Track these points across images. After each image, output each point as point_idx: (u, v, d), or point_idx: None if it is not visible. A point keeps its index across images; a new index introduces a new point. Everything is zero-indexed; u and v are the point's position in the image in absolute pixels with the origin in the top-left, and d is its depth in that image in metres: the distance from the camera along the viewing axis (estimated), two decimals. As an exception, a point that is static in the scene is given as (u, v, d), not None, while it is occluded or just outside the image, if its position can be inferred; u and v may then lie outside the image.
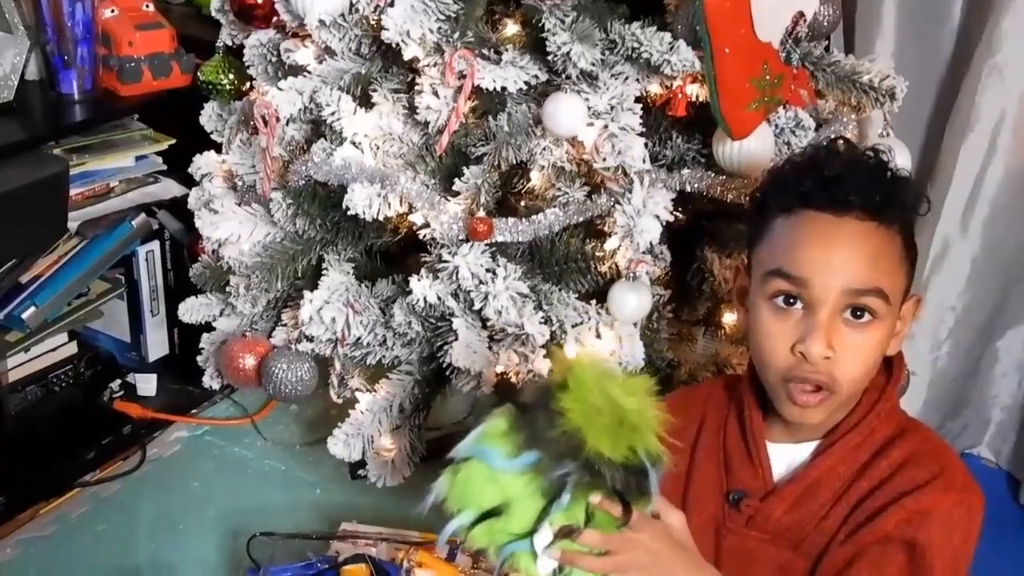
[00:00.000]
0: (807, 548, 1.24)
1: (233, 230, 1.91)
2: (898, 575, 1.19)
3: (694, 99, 1.72)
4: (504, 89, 1.70)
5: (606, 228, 1.72)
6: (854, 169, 1.19)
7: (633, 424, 1.03)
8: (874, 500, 1.21)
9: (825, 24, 1.88)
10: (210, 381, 2.10)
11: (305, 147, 1.88)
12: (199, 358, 2.10)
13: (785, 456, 1.27)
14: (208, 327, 2.07)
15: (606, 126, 1.69)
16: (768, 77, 1.63)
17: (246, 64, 1.99)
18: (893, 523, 1.19)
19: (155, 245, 2.42)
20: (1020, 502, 2.30)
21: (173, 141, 2.31)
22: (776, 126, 1.73)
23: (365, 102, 1.81)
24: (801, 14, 1.69)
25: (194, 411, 2.52)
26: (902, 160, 1.82)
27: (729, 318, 1.94)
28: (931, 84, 2.31)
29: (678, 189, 1.73)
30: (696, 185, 1.73)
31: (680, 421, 1.31)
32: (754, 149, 1.67)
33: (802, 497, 1.25)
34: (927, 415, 2.27)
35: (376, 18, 1.75)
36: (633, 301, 1.71)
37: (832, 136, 1.28)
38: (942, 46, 2.28)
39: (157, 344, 2.51)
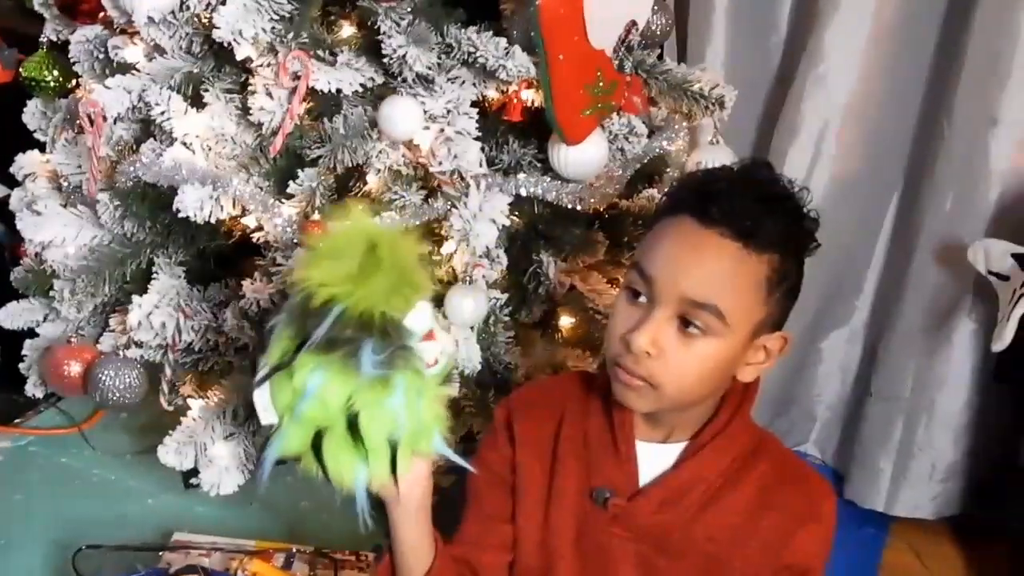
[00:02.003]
0: (670, 548, 1.26)
1: (57, 232, 1.85)
2: None
3: (530, 104, 1.74)
4: (339, 91, 1.69)
5: (443, 232, 1.72)
6: (735, 190, 1.19)
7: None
8: (748, 521, 1.25)
9: (658, 33, 1.92)
10: (34, 389, 2.03)
11: (134, 147, 1.83)
12: (22, 365, 2.02)
13: (651, 455, 1.28)
14: (31, 333, 2.00)
15: (442, 130, 1.69)
16: (602, 84, 1.66)
17: (72, 61, 1.93)
18: (790, 559, 1.25)
19: (-25, 247, 2.33)
20: (845, 497, 2.38)
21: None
22: (610, 132, 1.76)
23: (197, 102, 1.77)
24: (634, 23, 1.73)
25: (17, 420, 2.43)
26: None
27: (566, 321, 1.96)
28: (759, 93, 2.38)
29: (514, 193, 1.74)
30: (532, 189, 1.75)
31: (541, 412, 1.34)
32: (588, 154, 1.69)
33: (669, 500, 1.26)
34: (757, 414, 2.31)
35: (207, 16, 1.72)
36: (470, 305, 1.71)
37: (753, 160, 1.29)
38: (770, 56, 2.36)
39: (-23, 351, 2.41)
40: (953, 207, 2.12)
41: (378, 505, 1.22)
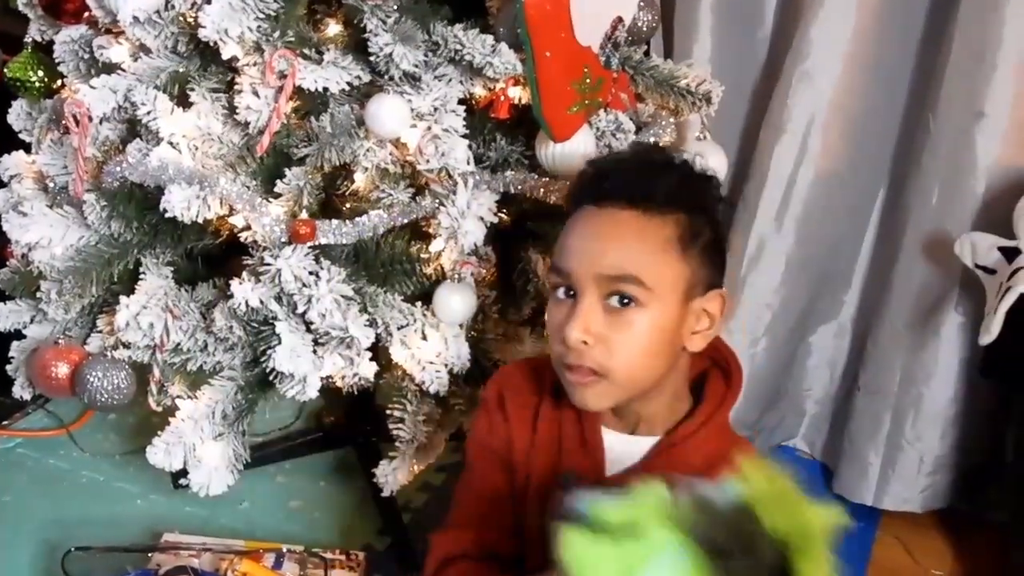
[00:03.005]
0: None
1: (44, 233, 1.83)
2: None
3: (517, 102, 1.73)
4: (326, 90, 1.68)
5: (431, 230, 1.72)
6: (622, 165, 1.23)
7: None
8: None
9: (644, 29, 1.92)
10: (21, 391, 2.01)
11: (120, 147, 1.82)
12: (9, 367, 2.01)
13: (620, 446, 1.28)
14: (18, 334, 1.98)
15: (429, 128, 1.69)
16: (588, 80, 1.66)
17: (57, 61, 1.92)
18: None
19: (-40, 249, 2.31)
20: (834, 491, 2.39)
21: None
22: (597, 129, 1.76)
23: (183, 101, 1.76)
24: (620, 19, 1.73)
25: (5, 423, 2.42)
26: (717, 162, 1.88)
27: (554, 318, 1.96)
28: (746, 88, 2.38)
29: (502, 191, 1.74)
30: (520, 187, 1.75)
31: (525, 390, 1.35)
32: (576, 151, 1.69)
33: None
34: (746, 409, 2.34)
35: (193, 15, 1.71)
36: (458, 302, 1.71)
37: (636, 142, 1.31)
38: (756, 52, 2.36)
39: (-36, 353, 2.40)
40: (939, 201, 2.12)
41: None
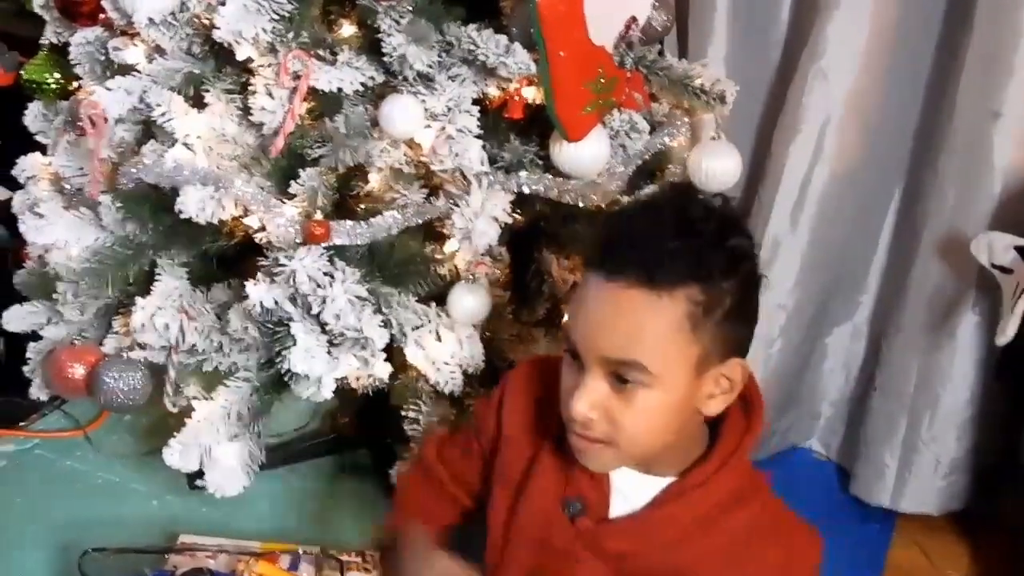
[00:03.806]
0: (626, 574, 1.23)
1: (60, 235, 1.85)
2: None
3: (531, 102, 1.74)
4: (340, 90, 1.69)
5: (445, 231, 1.72)
6: (634, 232, 1.13)
7: None
8: (719, 570, 1.20)
9: (658, 29, 1.92)
10: (38, 392, 2.02)
11: (135, 149, 1.83)
12: (26, 368, 2.02)
13: (631, 483, 1.24)
14: (35, 336, 1.99)
15: (443, 128, 1.69)
16: (602, 80, 1.66)
17: (72, 63, 1.92)
18: None
19: (-23, 251, 2.33)
20: (851, 492, 2.38)
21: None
22: (611, 129, 1.76)
23: (198, 103, 1.77)
24: (634, 19, 1.73)
25: (22, 423, 2.43)
26: (731, 162, 1.88)
27: (569, 319, 1.96)
28: (761, 88, 2.37)
29: (516, 191, 1.74)
30: (534, 187, 1.75)
31: (537, 395, 1.30)
32: (590, 151, 1.69)
33: (637, 535, 1.23)
34: (761, 410, 2.33)
35: (208, 17, 1.72)
36: (472, 303, 1.72)
37: (664, 189, 1.23)
38: (771, 51, 2.35)
39: (-19, 355, 2.41)
40: (956, 201, 2.11)
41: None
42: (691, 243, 1.10)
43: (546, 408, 1.28)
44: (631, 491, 1.24)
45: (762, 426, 1.24)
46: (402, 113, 1.66)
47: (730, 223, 1.14)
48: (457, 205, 1.69)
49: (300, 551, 1.94)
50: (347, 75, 1.68)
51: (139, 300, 1.77)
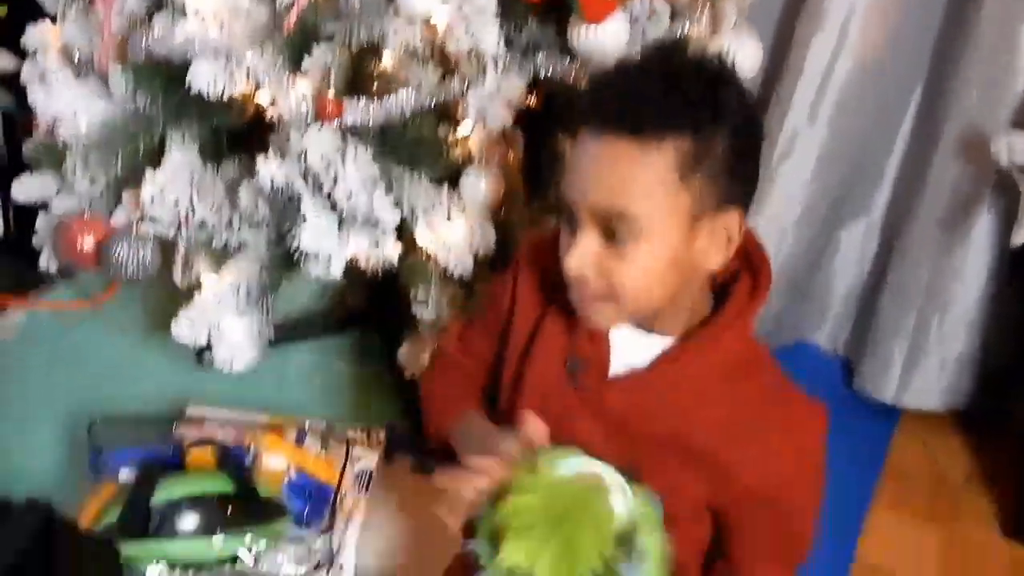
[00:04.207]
0: (629, 435, 1.24)
1: (69, 105, 1.83)
2: (767, 527, 1.25)
3: (550, -16, 1.70)
4: (356, -36, 1.65)
5: (459, 112, 1.70)
6: (621, 85, 1.13)
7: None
8: (719, 438, 1.21)
9: (682, -88, 1.86)
10: (47, 263, 2.02)
11: (146, 20, 1.80)
12: (35, 239, 2.02)
13: (632, 342, 1.25)
14: (44, 207, 1.99)
15: (460, 7, 1.65)
16: (624, -38, 1.62)
17: (82, -71, 1.88)
18: (753, 481, 1.21)
19: (-14, 120, 2.31)
20: (855, 388, 2.39)
21: (4, 10, 2.18)
22: (631, 14, 1.72)
23: (210, -27, 1.73)
24: (658, -101, 1.68)
25: (32, 294, 2.44)
26: (751, 51, 1.85)
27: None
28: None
29: (532, 74, 1.71)
30: (550, 71, 1.72)
31: (546, 263, 1.30)
32: (608, 35, 1.66)
33: (636, 394, 1.24)
34: (769, 303, 2.32)
35: None
36: (485, 186, 1.70)
37: (653, 46, 1.22)
38: (796, -60, 2.30)
39: (-9, 225, 2.42)
40: (978, 100, 2.08)
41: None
42: (678, 94, 1.10)
43: (554, 276, 1.28)
44: (631, 351, 1.25)
45: (766, 298, 1.24)
46: (419, -11, 1.63)
47: (721, 76, 1.14)
48: (472, 87, 1.66)
49: (307, 425, 1.96)
50: (363, -51, 1.65)
51: (149, 173, 1.76)
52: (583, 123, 1.15)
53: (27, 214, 2.06)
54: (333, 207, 1.69)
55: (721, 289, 1.26)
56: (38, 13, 1.99)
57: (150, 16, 1.79)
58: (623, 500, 1.10)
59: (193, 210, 1.76)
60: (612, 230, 1.13)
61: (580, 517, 1.08)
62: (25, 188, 1.97)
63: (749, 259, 1.26)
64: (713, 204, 1.14)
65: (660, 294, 1.17)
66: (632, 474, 1.13)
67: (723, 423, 1.21)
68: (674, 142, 1.09)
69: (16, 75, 2.01)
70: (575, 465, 1.12)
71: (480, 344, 1.44)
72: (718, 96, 1.12)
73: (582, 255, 1.15)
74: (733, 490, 1.23)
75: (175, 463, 1.79)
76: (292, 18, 1.68)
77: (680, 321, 1.23)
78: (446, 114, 1.74)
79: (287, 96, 1.67)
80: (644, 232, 1.12)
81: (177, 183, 1.75)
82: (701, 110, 1.10)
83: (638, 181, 1.11)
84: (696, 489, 1.24)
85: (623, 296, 1.16)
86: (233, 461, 1.78)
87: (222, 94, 1.66)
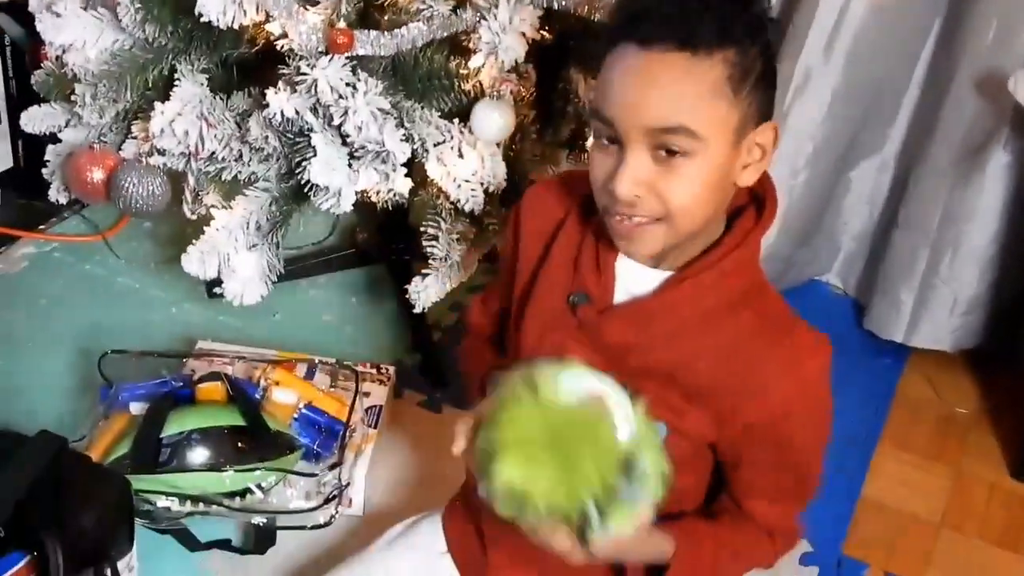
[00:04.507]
0: (626, 370, 1.21)
1: (78, 35, 1.80)
2: (770, 462, 1.25)
3: (565, -88, 1.67)
4: None
5: (471, 45, 1.68)
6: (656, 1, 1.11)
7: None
8: (720, 369, 1.20)
9: None
10: (57, 195, 2.01)
11: (155, -53, 1.78)
12: (45, 171, 2.01)
13: (634, 274, 1.24)
14: (54, 138, 1.98)
15: (473, -64, 1.64)
16: None
17: None
18: (755, 413, 1.20)
19: (-6, 50, 2.29)
20: (865, 327, 2.39)
21: (12, -61, 2.16)
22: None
23: (219, -99, 1.71)
24: None
25: (42, 227, 2.44)
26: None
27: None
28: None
29: (545, 6, 1.69)
30: (564, 3, 1.70)
31: (549, 205, 1.31)
32: (623, -33, 1.63)
33: (636, 324, 1.23)
34: (781, 242, 2.32)
35: None
36: (497, 120, 1.69)
37: None
38: None
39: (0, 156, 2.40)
40: (996, 35, 2.05)
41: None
42: (726, 8, 1.10)
43: (557, 216, 1.30)
44: (635, 282, 1.24)
45: (769, 227, 1.24)
46: (431, -82, 1.61)
47: None
48: (484, 19, 1.64)
49: (316, 360, 1.96)
50: None
51: (158, 105, 1.75)
52: (623, 38, 1.12)
53: (36, 146, 2.05)
54: (343, 140, 1.68)
55: (728, 224, 1.25)
56: (45, -59, 1.96)
57: (159, -57, 1.76)
58: (625, 420, 1.09)
59: (203, 142, 1.74)
60: (665, 147, 1.11)
61: (581, 439, 1.07)
62: (34, 119, 1.95)
63: (758, 188, 1.24)
64: (756, 118, 1.14)
65: (706, 212, 1.16)
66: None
67: (725, 352, 1.20)
68: (723, 54, 1.09)
69: (25, 5, 1.99)
70: (578, 379, 1.11)
71: (498, 304, 1.45)
72: (754, 11, 1.13)
73: (634, 175, 1.12)
74: (735, 424, 1.22)
75: (186, 397, 1.79)
76: (302, -53, 1.66)
77: (687, 253, 1.22)
78: (458, 47, 1.72)
79: (298, 27, 1.65)
80: (699, 148, 1.11)
81: (187, 115, 1.74)
82: (744, 27, 1.11)
83: (694, 95, 1.09)
84: (698, 425, 1.23)
85: (676, 215, 1.14)
86: (243, 395, 1.79)
87: (232, 24, 1.64)
